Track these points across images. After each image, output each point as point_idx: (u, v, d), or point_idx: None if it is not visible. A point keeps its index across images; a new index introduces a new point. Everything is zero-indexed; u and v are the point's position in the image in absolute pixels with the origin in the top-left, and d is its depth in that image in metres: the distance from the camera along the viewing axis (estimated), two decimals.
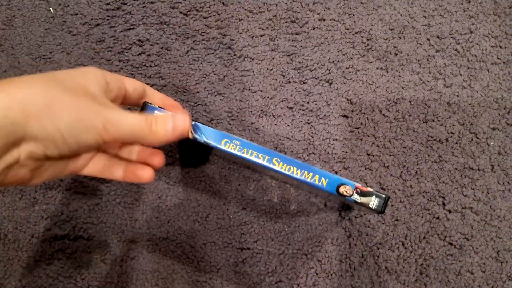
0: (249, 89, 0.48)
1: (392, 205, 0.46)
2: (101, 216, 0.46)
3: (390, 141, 0.47)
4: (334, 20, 0.50)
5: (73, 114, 0.26)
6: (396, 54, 0.49)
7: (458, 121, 0.47)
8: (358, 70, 0.49)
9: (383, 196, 0.32)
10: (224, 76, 0.48)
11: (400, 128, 0.47)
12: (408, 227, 0.45)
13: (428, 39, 0.49)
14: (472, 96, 0.48)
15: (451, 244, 0.45)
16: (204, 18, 0.50)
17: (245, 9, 0.50)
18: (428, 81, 0.48)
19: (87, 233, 0.45)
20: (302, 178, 0.33)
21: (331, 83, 0.48)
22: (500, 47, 0.49)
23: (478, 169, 0.46)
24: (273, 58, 0.49)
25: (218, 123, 0.48)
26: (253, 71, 0.48)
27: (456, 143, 0.47)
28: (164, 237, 0.45)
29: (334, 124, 0.47)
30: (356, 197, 0.32)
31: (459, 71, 0.49)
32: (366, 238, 0.45)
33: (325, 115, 0.48)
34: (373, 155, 0.47)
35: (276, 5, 0.50)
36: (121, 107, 0.35)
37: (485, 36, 0.49)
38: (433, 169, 0.46)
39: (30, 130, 0.24)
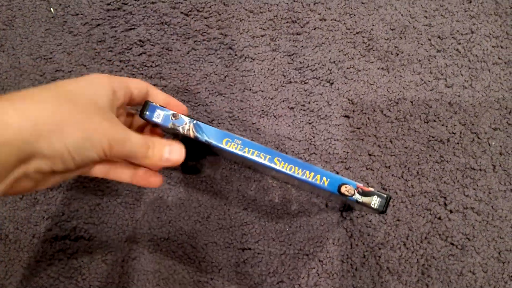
0: (250, 89, 0.48)
1: (393, 206, 0.46)
2: (102, 216, 0.46)
3: (391, 141, 0.47)
4: (335, 20, 0.50)
5: (82, 133, 0.27)
6: (397, 54, 0.49)
7: (460, 121, 0.47)
8: (359, 70, 0.48)
9: (385, 196, 0.32)
10: (225, 77, 0.48)
11: (402, 128, 0.47)
12: (409, 227, 0.45)
13: (429, 39, 0.49)
14: (473, 96, 0.48)
15: (452, 244, 0.45)
16: (205, 18, 0.49)
17: (246, 9, 0.50)
18: (429, 81, 0.48)
19: (88, 234, 0.45)
20: (304, 177, 0.33)
21: (332, 83, 0.48)
22: (501, 47, 0.49)
23: (480, 169, 0.46)
24: (274, 58, 0.49)
25: (219, 123, 0.48)
26: (254, 71, 0.48)
27: (458, 143, 0.47)
28: (165, 238, 0.45)
29: (335, 124, 0.47)
30: (357, 196, 0.32)
31: (460, 71, 0.48)
32: (367, 238, 0.45)
33: (326, 115, 0.48)
34: (375, 155, 0.47)
35: (277, 5, 0.50)
36: (126, 108, 0.37)
37: (486, 36, 0.49)
38: (434, 169, 0.46)
39: (39, 149, 0.25)
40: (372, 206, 0.32)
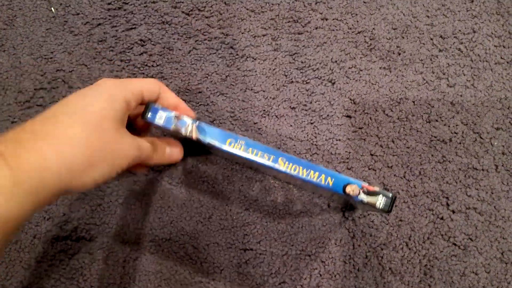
0: (252, 89, 0.48)
1: (396, 206, 0.46)
2: (103, 217, 0.46)
3: (393, 141, 0.47)
4: (337, 19, 0.49)
5: (108, 164, 0.30)
6: (399, 54, 0.49)
7: (462, 121, 0.47)
8: (361, 70, 0.48)
9: (390, 195, 0.32)
10: (227, 76, 0.48)
11: (404, 128, 0.47)
12: (412, 228, 0.45)
13: (431, 39, 0.49)
14: (475, 96, 0.48)
15: (455, 244, 0.45)
16: (206, 17, 0.49)
17: (247, 9, 0.49)
18: (431, 80, 0.48)
19: (89, 234, 0.45)
20: (308, 178, 0.32)
21: (334, 83, 0.48)
22: (504, 46, 0.49)
23: (482, 169, 0.46)
24: (275, 58, 0.49)
25: (221, 123, 0.47)
26: (256, 71, 0.48)
27: (460, 143, 0.47)
28: (166, 238, 0.45)
29: (337, 124, 0.47)
30: (362, 196, 0.32)
31: (463, 70, 0.48)
32: (370, 238, 0.45)
33: (328, 115, 0.47)
34: (377, 155, 0.47)
35: (279, 4, 0.50)
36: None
37: (489, 35, 0.49)
38: (436, 169, 0.46)
39: (71, 187, 0.28)
40: (378, 206, 0.32)
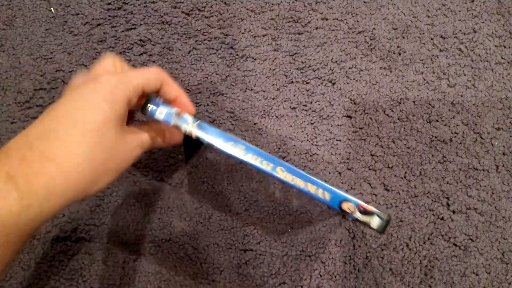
0: (252, 89, 0.48)
1: (396, 206, 0.45)
2: (103, 217, 0.45)
3: (394, 142, 0.47)
4: (337, 19, 0.49)
5: (113, 172, 0.30)
6: (400, 54, 0.48)
7: (462, 121, 0.47)
8: (362, 70, 0.48)
9: (385, 218, 0.31)
10: (227, 76, 0.48)
11: (404, 128, 0.47)
12: (412, 228, 0.45)
13: (432, 39, 0.49)
14: (476, 96, 0.48)
15: (455, 245, 0.45)
16: (206, 17, 0.49)
17: (247, 9, 0.49)
18: (431, 81, 0.48)
19: (89, 235, 0.45)
20: (306, 189, 0.32)
21: (334, 83, 0.48)
22: (504, 46, 0.49)
23: (483, 170, 0.46)
24: (275, 58, 0.48)
25: (221, 123, 0.47)
26: (256, 71, 0.48)
27: (460, 143, 0.47)
28: (166, 239, 0.45)
29: (338, 125, 0.47)
30: (358, 215, 0.32)
31: (463, 70, 0.48)
32: (370, 239, 0.45)
33: (328, 116, 0.47)
34: (377, 156, 0.46)
35: (279, 4, 0.49)
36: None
37: (489, 35, 0.49)
38: (437, 169, 0.46)
39: (76, 200, 0.29)
40: (372, 226, 0.31)
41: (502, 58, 0.48)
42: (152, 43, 0.49)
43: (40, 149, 0.27)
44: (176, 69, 0.48)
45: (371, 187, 0.46)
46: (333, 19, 0.49)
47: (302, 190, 0.32)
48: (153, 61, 0.48)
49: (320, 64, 0.48)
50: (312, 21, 0.49)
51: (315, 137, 0.47)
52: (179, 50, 0.49)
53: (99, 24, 0.49)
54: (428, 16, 0.49)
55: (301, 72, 0.48)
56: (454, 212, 0.45)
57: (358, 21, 0.49)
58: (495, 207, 0.45)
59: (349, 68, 0.48)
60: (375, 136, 0.47)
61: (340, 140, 0.47)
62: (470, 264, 0.44)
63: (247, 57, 0.48)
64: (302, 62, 0.48)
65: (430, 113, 0.47)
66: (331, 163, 0.46)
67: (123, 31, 0.49)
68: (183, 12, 0.49)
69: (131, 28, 0.49)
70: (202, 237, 0.45)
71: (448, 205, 0.45)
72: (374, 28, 0.49)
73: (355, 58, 0.48)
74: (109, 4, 0.49)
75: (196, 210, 0.46)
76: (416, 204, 0.45)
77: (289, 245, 0.45)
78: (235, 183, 0.46)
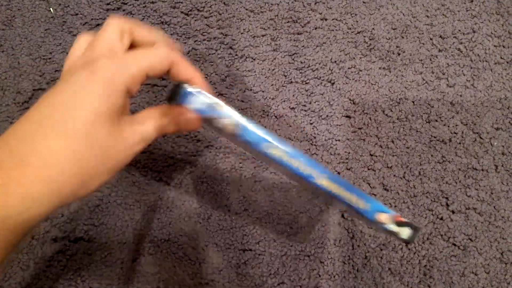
0: (251, 90, 0.48)
1: (395, 206, 0.45)
2: (102, 217, 0.45)
3: (393, 142, 0.47)
4: (336, 19, 0.49)
5: (105, 173, 0.27)
6: (399, 54, 0.49)
7: (461, 121, 0.47)
8: (361, 70, 0.48)
9: (418, 228, 0.30)
10: (226, 77, 0.48)
11: (403, 128, 0.47)
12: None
13: (431, 39, 0.49)
14: (475, 96, 0.48)
15: (454, 245, 0.45)
16: (205, 18, 0.49)
17: (247, 9, 0.49)
18: (431, 81, 0.48)
19: (88, 235, 0.45)
20: (347, 201, 0.30)
21: (334, 83, 0.48)
22: (503, 46, 0.49)
23: (482, 170, 0.46)
24: (274, 58, 0.48)
25: None
26: (255, 72, 0.48)
27: (460, 143, 0.47)
28: (165, 239, 0.45)
29: (337, 125, 0.47)
30: (391, 226, 0.30)
31: (462, 70, 0.48)
32: (369, 239, 0.45)
33: (327, 116, 0.47)
34: (376, 156, 0.46)
35: (278, 4, 0.49)
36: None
37: (488, 35, 0.49)
38: (436, 169, 0.46)
39: (65, 204, 0.26)
40: (401, 237, 0.30)
41: (501, 58, 0.48)
42: None
43: (19, 156, 0.24)
44: None
45: (370, 187, 0.46)
46: (332, 19, 0.49)
47: (342, 200, 0.30)
48: None
49: (319, 64, 0.48)
50: (311, 21, 0.49)
51: (314, 137, 0.47)
52: (178, 50, 0.49)
53: (98, 25, 0.49)
54: (427, 16, 0.49)
55: (300, 72, 0.48)
56: (453, 212, 0.45)
57: (357, 21, 0.49)
58: (494, 207, 0.45)
59: (348, 68, 0.48)
60: (374, 136, 0.47)
61: (339, 140, 0.47)
62: (469, 264, 0.44)
63: (246, 57, 0.48)
64: (301, 62, 0.48)
65: (429, 113, 0.47)
66: (330, 163, 0.46)
67: None
68: (182, 12, 0.49)
69: None
70: (201, 237, 0.45)
71: (447, 205, 0.45)
72: (373, 28, 0.49)
73: (354, 58, 0.49)
74: (108, 4, 0.49)
75: (195, 210, 0.46)
76: (415, 204, 0.45)
77: (288, 245, 0.45)
78: (234, 183, 0.46)
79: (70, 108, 0.25)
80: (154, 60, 0.28)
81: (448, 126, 0.47)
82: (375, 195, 0.46)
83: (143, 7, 0.49)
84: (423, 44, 0.49)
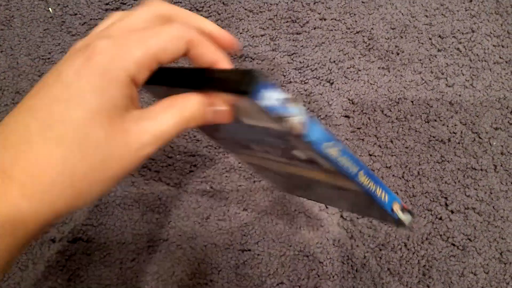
0: None
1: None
2: (101, 218, 0.45)
3: (392, 141, 0.47)
4: (335, 19, 0.49)
5: (109, 184, 0.23)
6: (398, 54, 0.48)
7: (461, 121, 0.47)
8: (360, 70, 0.48)
9: (414, 214, 0.30)
10: None
11: (402, 128, 0.47)
12: (410, 228, 0.45)
13: (430, 39, 0.49)
14: (474, 95, 0.48)
15: (453, 245, 0.45)
16: (205, 17, 0.49)
17: (246, 9, 0.49)
18: (430, 80, 0.48)
19: (86, 235, 0.45)
20: (375, 195, 0.28)
21: (332, 83, 0.48)
22: (502, 46, 0.49)
23: (481, 169, 0.46)
24: (273, 58, 0.48)
25: None
26: None
27: (459, 143, 0.47)
28: (164, 239, 0.45)
29: (336, 125, 0.47)
30: (400, 214, 0.29)
31: (461, 70, 0.48)
32: (368, 239, 0.45)
33: (326, 115, 0.47)
34: (375, 156, 0.46)
35: (277, 4, 0.49)
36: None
37: (487, 35, 0.49)
38: (435, 169, 0.46)
39: (59, 219, 0.23)
40: (406, 224, 0.29)
41: (500, 57, 0.48)
42: None
43: (2, 168, 0.20)
44: None
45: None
46: (331, 19, 0.49)
47: (371, 194, 0.28)
48: None
49: (318, 64, 0.48)
50: (310, 21, 0.49)
51: None
52: None
53: (97, 24, 0.49)
54: (426, 16, 0.49)
55: (299, 72, 0.48)
56: (452, 212, 0.45)
57: (356, 21, 0.49)
58: (493, 207, 0.45)
59: (347, 68, 0.48)
60: (373, 136, 0.47)
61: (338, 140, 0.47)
62: (468, 264, 0.44)
63: (246, 57, 0.48)
64: (300, 62, 0.48)
65: (428, 112, 0.47)
66: None
67: None
68: None
69: None
70: (200, 237, 0.45)
71: (446, 205, 0.45)
72: (372, 28, 0.49)
73: (353, 58, 0.48)
74: (107, 4, 0.49)
75: (194, 210, 0.46)
76: (414, 204, 0.45)
77: (287, 245, 0.45)
78: (233, 183, 0.46)
79: (60, 108, 0.21)
80: (166, 40, 0.22)
81: (447, 126, 0.47)
82: None
83: None
84: (422, 44, 0.49)
